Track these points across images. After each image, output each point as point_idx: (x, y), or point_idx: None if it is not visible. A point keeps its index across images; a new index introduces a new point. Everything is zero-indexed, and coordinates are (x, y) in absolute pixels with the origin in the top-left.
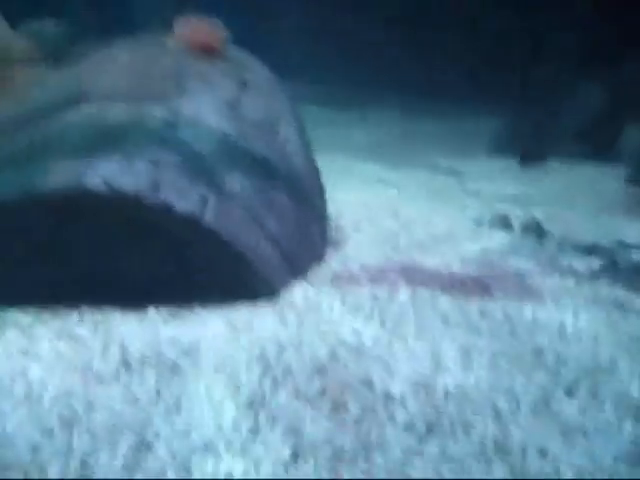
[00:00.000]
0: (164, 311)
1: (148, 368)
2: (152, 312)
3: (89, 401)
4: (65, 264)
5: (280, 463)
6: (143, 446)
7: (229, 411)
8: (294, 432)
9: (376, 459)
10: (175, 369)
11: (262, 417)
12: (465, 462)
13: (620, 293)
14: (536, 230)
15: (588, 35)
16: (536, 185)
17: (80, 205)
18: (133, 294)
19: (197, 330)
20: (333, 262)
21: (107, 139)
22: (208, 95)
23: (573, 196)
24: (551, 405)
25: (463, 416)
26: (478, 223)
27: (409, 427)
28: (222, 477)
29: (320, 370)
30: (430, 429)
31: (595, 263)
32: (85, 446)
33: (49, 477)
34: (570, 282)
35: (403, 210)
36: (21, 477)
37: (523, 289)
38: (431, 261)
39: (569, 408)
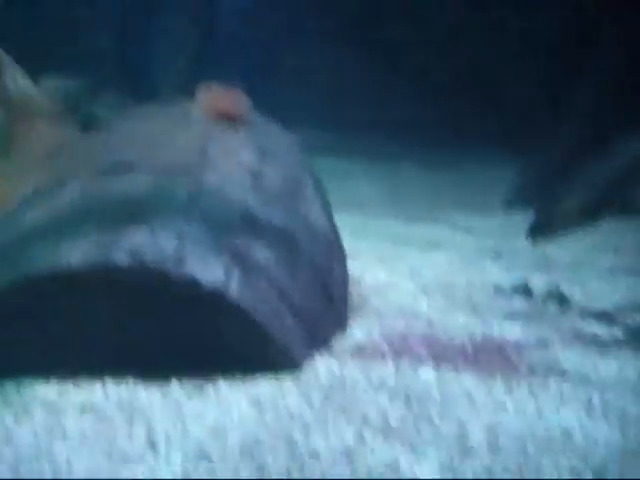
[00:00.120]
0: (188, 385)
1: (174, 449)
2: (175, 386)
3: None
4: (89, 337)
5: None
6: None
7: None
8: None
9: None
10: (201, 450)
11: None
12: None
13: None
14: (557, 297)
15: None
16: (555, 243)
17: (106, 279)
18: (156, 367)
19: (221, 407)
20: (355, 331)
21: (132, 212)
22: (232, 166)
23: (593, 255)
24: None
25: None
26: (498, 289)
27: None
28: None
29: (347, 453)
30: None
31: (618, 330)
32: None
33: None
34: (593, 353)
35: (422, 272)
36: None
37: (545, 361)
38: (452, 329)
39: None
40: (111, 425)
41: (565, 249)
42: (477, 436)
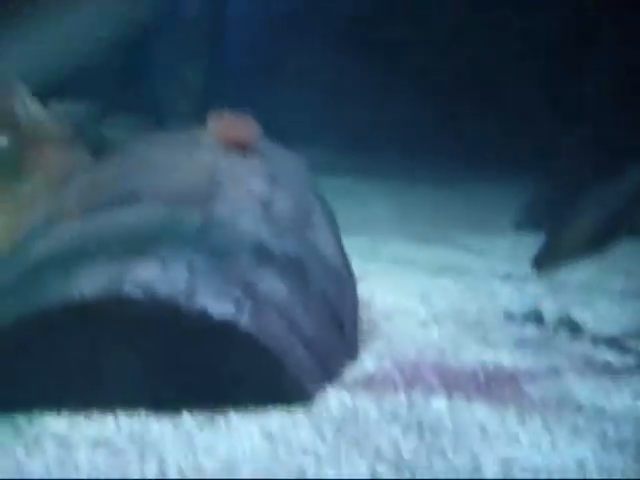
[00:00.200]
0: (199, 416)
1: None
2: (187, 417)
3: None
4: (100, 368)
5: None
6: None
7: None
8: None
9: None
10: None
11: None
12: None
13: None
14: (568, 324)
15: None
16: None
17: (117, 312)
18: (168, 398)
19: (233, 440)
20: (366, 359)
21: (143, 243)
22: (242, 196)
23: (604, 278)
24: None
25: None
26: (509, 315)
27: None
28: None
29: None
30: None
31: (630, 358)
32: None
33: None
34: (606, 381)
35: (432, 296)
36: None
37: (558, 390)
38: (464, 357)
39: None
40: (123, 458)
41: (575, 272)
42: (491, 469)
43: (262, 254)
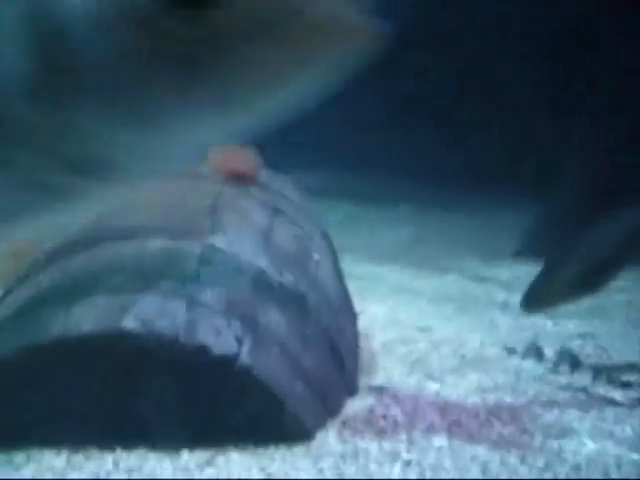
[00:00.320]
0: (198, 454)
1: None
2: (186, 456)
3: None
4: (99, 405)
5: None
6: None
7: None
8: None
9: None
10: None
11: None
12: None
13: None
14: (569, 358)
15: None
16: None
17: (116, 347)
18: (167, 436)
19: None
20: (366, 395)
21: (142, 277)
22: (243, 228)
23: (605, 308)
24: None
25: None
26: (508, 348)
27: None
28: None
29: None
30: None
31: (632, 391)
32: None
33: None
34: (609, 416)
35: (432, 327)
36: None
37: (560, 427)
38: (464, 391)
39: None
40: None
41: (576, 301)
42: None
43: (262, 287)
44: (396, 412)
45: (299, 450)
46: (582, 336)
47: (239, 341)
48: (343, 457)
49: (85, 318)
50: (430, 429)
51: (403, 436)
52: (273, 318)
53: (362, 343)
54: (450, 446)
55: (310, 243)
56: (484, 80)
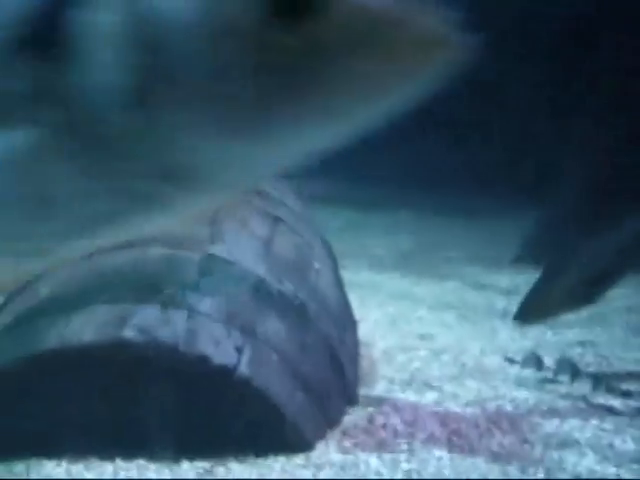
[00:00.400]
0: (198, 465)
1: None
2: (186, 466)
3: None
4: (99, 414)
5: None
6: None
7: None
8: None
9: None
10: None
11: None
12: None
13: None
14: (568, 367)
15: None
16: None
17: (116, 356)
18: (167, 446)
19: None
20: (366, 404)
21: (143, 286)
22: (243, 237)
23: (605, 315)
24: None
25: None
26: (508, 357)
27: None
28: None
29: None
30: None
31: (632, 400)
32: None
33: None
34: (609, 425)
35: (432, 334)
36: None
37: (560, 436)
38: (464, 400)
39: None
40: None
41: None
42: None
43: (262, 295)
44: (396, 421)
45: (299, 460)
46: (582, 344)
47: (239, 351)
48: (343, 467)
49: (85, 328)
50: (430, 439)
51: (403, 446)
52: (273, 327)
53: (362, 351)
54: (450, 456)
55: (310, 251)
56: (484, 80)
